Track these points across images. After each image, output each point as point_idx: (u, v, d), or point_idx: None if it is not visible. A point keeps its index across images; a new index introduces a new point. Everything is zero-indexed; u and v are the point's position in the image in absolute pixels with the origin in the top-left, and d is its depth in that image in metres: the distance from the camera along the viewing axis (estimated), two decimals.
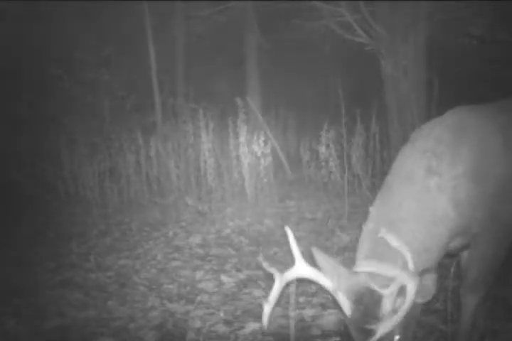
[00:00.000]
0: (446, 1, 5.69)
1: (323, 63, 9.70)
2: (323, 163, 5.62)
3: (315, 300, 3.24)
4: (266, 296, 3.27)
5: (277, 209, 5.38)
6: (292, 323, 2.77)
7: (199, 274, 3.79)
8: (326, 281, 2.08)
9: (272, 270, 2.14)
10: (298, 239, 2.12)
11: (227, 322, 3.01)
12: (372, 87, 6.62)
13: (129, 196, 5.80)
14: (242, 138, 5.60)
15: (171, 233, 4.84)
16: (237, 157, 5.66)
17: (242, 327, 2.96)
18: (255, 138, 5.54)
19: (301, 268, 2.12)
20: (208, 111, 5.83)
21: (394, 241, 2.07)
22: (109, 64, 7.02)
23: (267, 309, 2.16)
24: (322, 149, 5.58)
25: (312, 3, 6.01)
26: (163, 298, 3.43)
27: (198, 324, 3.03)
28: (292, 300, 2.80)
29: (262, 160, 5.54)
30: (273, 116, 8.20)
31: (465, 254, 2.68)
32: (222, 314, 3.15)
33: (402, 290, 2.01)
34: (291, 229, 2.12)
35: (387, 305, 2.00)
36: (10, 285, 3.67)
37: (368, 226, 2.26)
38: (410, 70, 5.75)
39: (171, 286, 3.63)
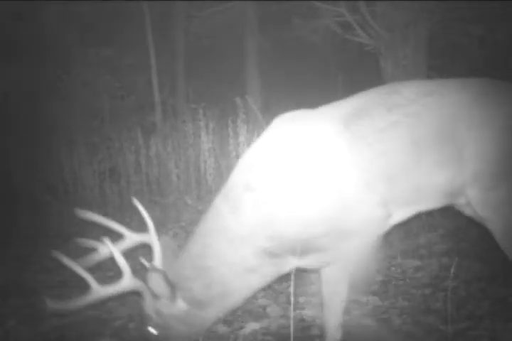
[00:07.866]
0: (446, 0, 5.68)
1: (323, 63, 9.71)
2: None
3: (315, 300, 3.24)
4: (266, 296, 3.32)
5: None
6: (292, 323, 2.77)
7: None
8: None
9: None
10: None
11: (227, 322, 3.01)
12: (372, 87, 6.61)
13: (129, 196, 5.78)
14: (242, 138, 5.59)
15: (170, 233, 4.83)
16: (237, 157, 5.64)
17: (242, 327, 2.96)
18: (255, 138, 5.53)
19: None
20: (207, 111, 5.83)
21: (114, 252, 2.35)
22: (109, 64, 7.01)
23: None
24: None
25: (312, 2, 6.00)
26: None
27: None
28: (292, 300, 2.79)
29: None
30: (273, 116, 8.18)
31: (327, 270, 2.55)
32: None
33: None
34: None
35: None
36: (10, 285, 3.67)
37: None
38: (410, 70, 5.74)
39: None
